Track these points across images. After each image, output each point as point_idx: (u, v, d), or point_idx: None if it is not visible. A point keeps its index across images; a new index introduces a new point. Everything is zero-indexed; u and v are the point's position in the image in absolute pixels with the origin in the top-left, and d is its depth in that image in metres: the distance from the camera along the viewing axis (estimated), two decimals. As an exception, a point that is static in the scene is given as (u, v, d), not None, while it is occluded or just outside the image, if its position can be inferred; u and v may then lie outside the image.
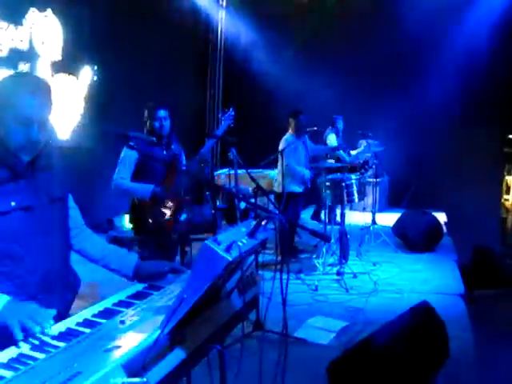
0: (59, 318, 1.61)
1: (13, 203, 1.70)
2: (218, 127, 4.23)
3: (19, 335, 1.47)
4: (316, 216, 8.05)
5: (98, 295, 3.76)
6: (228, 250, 1.39)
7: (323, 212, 6.76)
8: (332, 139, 7.78)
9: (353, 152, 7.48)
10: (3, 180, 1.70)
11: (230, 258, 1.36)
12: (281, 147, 5.79)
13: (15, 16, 6.08)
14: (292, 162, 5.82)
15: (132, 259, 2.06)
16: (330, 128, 7.91)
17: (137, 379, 1.22)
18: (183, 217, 3.88)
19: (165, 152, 3.76)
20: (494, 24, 8.21)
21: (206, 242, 1.37)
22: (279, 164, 5.88)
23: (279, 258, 2.76)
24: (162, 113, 3.71)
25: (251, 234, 1.58)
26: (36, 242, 1.76)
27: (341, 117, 7.99)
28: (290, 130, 6.06)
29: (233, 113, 4.23)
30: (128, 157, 3.61)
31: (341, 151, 7.43)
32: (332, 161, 7.38)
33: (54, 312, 1.58)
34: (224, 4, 10.48)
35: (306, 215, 7.72)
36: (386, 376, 2.71)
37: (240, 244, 1.46)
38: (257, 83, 9.31)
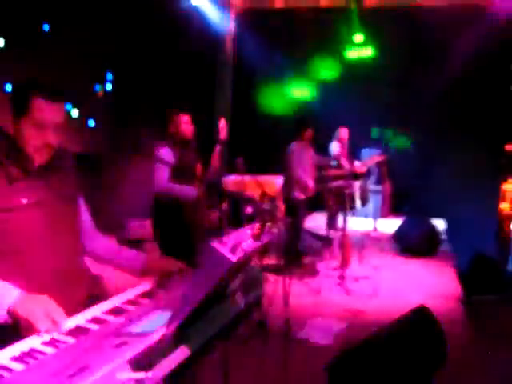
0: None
1: (24, 200, 1.73)
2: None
3: (42, 326, 1.45)
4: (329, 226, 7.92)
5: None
6: (233, 251, 1.42)
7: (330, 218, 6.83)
8: (334, 148, 7.76)
9: (357, 163, 7.36)
10: (16, 178, 1.73)
11: (235, 259, 1.39)
12: (287, 155, 5.88)
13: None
14: (297, 169, 5.90)
15: (141, 258, 2.07)
16: (334, 138, 7.89)
17: (142, 374, 1.26)
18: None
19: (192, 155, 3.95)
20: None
21: (210, 242, 1.42)
22: (285, 171, 5.98)
23: (283, 261, 2.79)
24: (187, 118, 3.92)
25: (256, 237, 1.62)
26: (45, 240, 1.77)
27: (345, 128, 7.95)
28: (297, 139, 6.15)
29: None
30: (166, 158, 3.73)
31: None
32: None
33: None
34: (233, 16, 10.35)
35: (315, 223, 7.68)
36: (383, 377, 2.75)
37: (244, 246, 1.49)
38: (265, 92, 9.37)
